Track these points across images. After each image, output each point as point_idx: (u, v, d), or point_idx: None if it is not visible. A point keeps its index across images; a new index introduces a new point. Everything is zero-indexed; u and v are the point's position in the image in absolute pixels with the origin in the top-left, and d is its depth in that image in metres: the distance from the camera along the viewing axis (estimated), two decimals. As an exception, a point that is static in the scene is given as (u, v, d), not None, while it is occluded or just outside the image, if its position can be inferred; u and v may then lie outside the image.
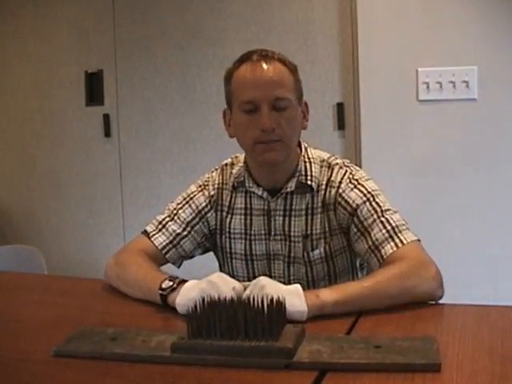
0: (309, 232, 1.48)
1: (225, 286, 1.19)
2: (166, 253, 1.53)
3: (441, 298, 1.29)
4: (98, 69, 3.31)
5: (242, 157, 1.59)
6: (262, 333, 0.98)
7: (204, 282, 1.22)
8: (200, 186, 1.59)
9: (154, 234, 1.54)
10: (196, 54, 3.13)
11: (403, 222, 1.41)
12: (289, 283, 1.47)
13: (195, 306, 1.02)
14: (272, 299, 1.01)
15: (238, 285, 1.21)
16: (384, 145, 2.79)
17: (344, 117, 2.92)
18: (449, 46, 2.70)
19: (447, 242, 2.73)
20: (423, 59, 2.72)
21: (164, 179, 3.25)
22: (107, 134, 3.33)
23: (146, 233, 1.56)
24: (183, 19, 3.13)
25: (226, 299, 1.03)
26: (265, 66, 1.40)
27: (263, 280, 1.20)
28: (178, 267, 1.58)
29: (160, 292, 1.28)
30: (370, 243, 1.39)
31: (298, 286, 1.20)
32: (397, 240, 1.36)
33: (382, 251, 1.36)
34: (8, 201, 3.61)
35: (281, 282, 1.38)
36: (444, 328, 1.14)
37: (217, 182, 1.58)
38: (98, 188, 3.39)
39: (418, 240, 1.38)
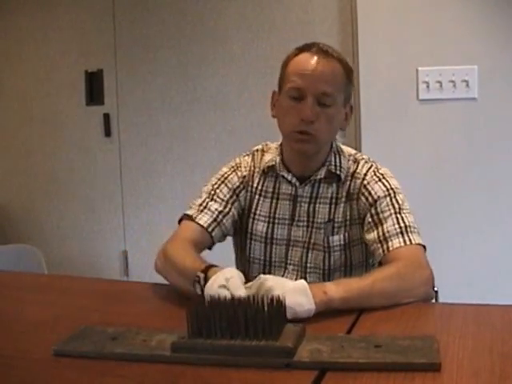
0: (331, 218, 1.53)
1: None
2: (212, 231, 1.54)
3: (432, 299, 1.34)
4: (98, 68, 3.31)
5: (272, 145, 1.64)
6: (263, 332, 0.98)
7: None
8: (232, 167, 1.63)
9: (196, 216, 1.55)
10: (196, 53, 3.13)
11: (415, 226, 1.45)
12: (305, 271, 1.53)
13: (195, 306, 1.02)
14: (272, 298, 1.01)
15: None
16: (384, 144, 2.79)
17: (344, 116, 2.92)
18: (449, 46, 2.70)
19: (447, 242, 2.73)
20: (423, 58, 2.72)
21: (164, 179, 3.25)
22: (107, 133, 3.33)
23: (188, 216, 1.56)
24: (183, 19, 3.13)
25: (226, 299, 1.03)
26: (321, 59, 1.46)
27: (270, 280, 1.18)
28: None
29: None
30: (381, 234, 1.43)
31: (303, 282, 1.19)
32: (406, 238, 1.40)
33: (390, 243, 1.40)
34: (8, 200, 3.61)
35: (296, 269, 1.52)
36: (444, 327, 1.14)
37: (249, 164, 1.62)
38: (98, 187, 3.39)
39: (424, 246, 1.42)
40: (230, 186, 1.59)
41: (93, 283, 1.60)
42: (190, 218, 1.55)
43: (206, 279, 1.25)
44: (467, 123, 2.72)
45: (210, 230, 1.53)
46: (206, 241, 1.55)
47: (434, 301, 1.69)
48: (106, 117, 3.31)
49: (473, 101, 2.70)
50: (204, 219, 1.54)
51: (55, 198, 3.48)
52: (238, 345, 0.98)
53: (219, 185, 1.59)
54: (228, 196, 1.58)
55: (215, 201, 1.56)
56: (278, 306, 1.01)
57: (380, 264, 1.43)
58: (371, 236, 1.45)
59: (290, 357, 0.97)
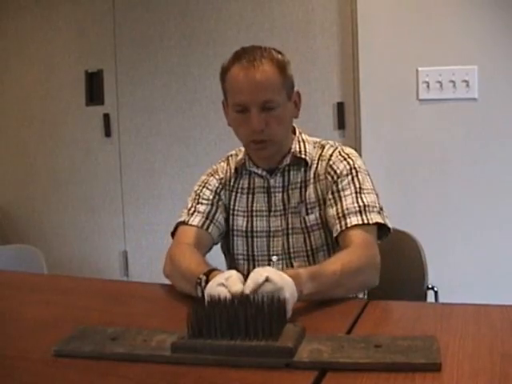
0: (303, 199, 1.59)
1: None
2: (207, 228, 1.60)
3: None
4: (98, 68, 3.31)
5: (243, 149, 1.69)
6: (263, 332, 0.98)
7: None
8: (210, 173, 1.70)
9: (188, 219, 1.61)
10: (196, 53, 3.13)
11: (375, 204, 1.51)
12: (289, 257, 1.58)
13: (195, 306, 1.02)
14: (272, 298, 1.01)
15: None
16: (384, 144, 2.79)
17: (344, 116, 2.92)
18: (449, 46, 2.70)
19: (447, 242, 2.73)
20: (423, 58, 2.72)
21: (164, 179, 3.25)
22: (107, 133, 3.33)
23: (182, 223, 1.61)
24: (183, 19, 3.13)
25: (223, 296, 1.03)
26: (253, 70, 1.49)
27: (280, 283, 1.15)
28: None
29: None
30: (340, 211, 1.50)
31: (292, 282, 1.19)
32: (364, 217, 1.47)
33: (348, 220, 1.47)
34: (9, 200, 3.61)
35: (280, 258, 1.57)
36: (444, 327, 1.14)
37: (224, 168, 1.70)
38: (98, 188, 3.39)
39: (384, 225, 1.49)
40: (210, 188, 1.66)
41: (93, 283, 1.60)
42: (183, 223, 1.60)
43: (208, 282, 1.26)
44: (467, 123, 2.72)
45: (205, 227, 1.59)
46: (206, 240, 1.59)
47: (433, 301, 1.70)
48: (106, 117, 3.32)
49: (473, 101, 2.70)
50: (196, 220, 1.60)
51: (55, 198, 3.48)
52: (238, 345, 0.98)
53: (201, 190, 1.66)
54: (211, 197, 1.65)
55: (201, 203, 1.63)
56: (278, 306, 1.01)
57: (336, 240, 1.49)
58: (331, 212, 1.51)
59: (290, 357, 0.96)
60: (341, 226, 1.47)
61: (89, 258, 3.42)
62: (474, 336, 1.08)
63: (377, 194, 1.55)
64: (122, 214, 3.36)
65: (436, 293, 1.73)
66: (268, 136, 1.51)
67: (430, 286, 1.73)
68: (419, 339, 1.01)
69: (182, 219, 1.61)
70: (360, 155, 1.64)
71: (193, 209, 1.62)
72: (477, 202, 2.73)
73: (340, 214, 1.48)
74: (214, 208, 1.63)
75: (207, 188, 1.66)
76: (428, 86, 2.72)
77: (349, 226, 1.45)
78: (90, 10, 3.31)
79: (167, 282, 1.50)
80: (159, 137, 3.25)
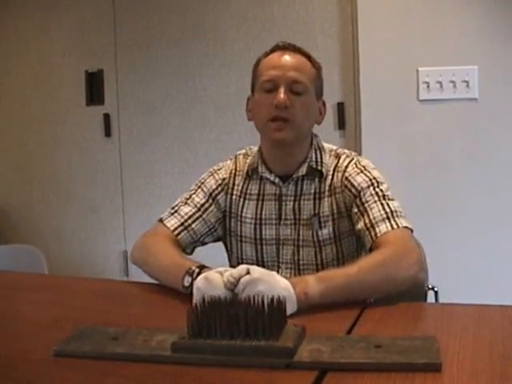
0: (317, 212, 1.54)
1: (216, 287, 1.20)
2: (178, 235, 1.57)
3: (424, 282, 1.36)
4: (98, 68, 3.31)
5: (255, 148, 1.65)
6: (263, 332, 0.98)
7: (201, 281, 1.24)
8: (210, 172, 1.66)
9: (166, 218, 1.60)
10: (196, 53, 3.13)
11: (401, 210, 1.47)
12: (298, 268, 1.55)
13: (195, 306, 1.02)
14: (272, 299, 1.01)
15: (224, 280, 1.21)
16: (384, 145, 2.79)
17: (344, 116, 2.92)
18: (449, 46, 2.70)
19: (447, 241, 2.73)
20: (423, 59, 2.72)
21: (164, 179, 3.25)
22: (107, 133, 3.33)
23: (160, 220, 1.62)
24: (184, 19, 3.13)
25: (226, 299, 1.03)
26: (289, 53, 1.52)
27: (260, 283, 1.18)
28: (190, 253, 1.62)
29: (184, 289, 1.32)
30: (367, 221, 1.45)
31: (288, 285, 1.20)
32: (392, 222, 1.42)
33: (377, 229, 1.42)
34: (8, 200, 3.61)
35: (289, 267, 1.54)
36: (444, 328, 1.14)
37: (231, 167, 1.65)
38: (99, 188, 3.39)
39: (411, 229, 1.44)
40: (205, 190, 1.62)
41: (93, 283, 1.60)
42: (160, 220, 1.61)
43: (200, 274, 1.28)
44: (467, 124, 2.72)
45: (176, 233, 1.57)
46: (178, 244, 1.58)
47: (433, 301, 1.70)
48: (106, 117, 3.32)
49: (473, 101, 2.70)
50: (172, 222, 1.59)
51: (55, 198, 3.48)
52: (238, 345, 0.98)
53: (195, 190, 1.63)
54: (203, 200, 1.61)
55: (188, 205, 1.61)
56: (278, 306, 1.01)
57: (370, 251, 1.42)
58: (359, 225, 1.47)
59: (290, 357, 0.96)
60: (371, 237, 1.42)
61: (89, 257, 3.42)
62: (474, 336, 1.08)
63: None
64: (122, 214, 3.36)
65: (436, 293, 1.73)
66: (290, 115, 1.46)
67: (430, 287, 1.73)
68: (419, 339, 1.01)
69: (162, 216, 1.61)
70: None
71: (176, 208, 1.61)
72: (477, 202, 2.73)
73: (368, 225, 1.44)
74: (198, 214, 1.59)
75: (202, 190, 1.62)
76: (428, 87, 2.72)
77: (379, 235, 1.41)
78: (90, 9, 3.30)
79: (144, 272, 1.50)
80: (159, 137, 3.24)
